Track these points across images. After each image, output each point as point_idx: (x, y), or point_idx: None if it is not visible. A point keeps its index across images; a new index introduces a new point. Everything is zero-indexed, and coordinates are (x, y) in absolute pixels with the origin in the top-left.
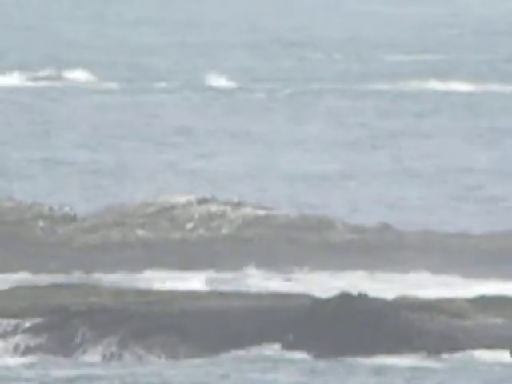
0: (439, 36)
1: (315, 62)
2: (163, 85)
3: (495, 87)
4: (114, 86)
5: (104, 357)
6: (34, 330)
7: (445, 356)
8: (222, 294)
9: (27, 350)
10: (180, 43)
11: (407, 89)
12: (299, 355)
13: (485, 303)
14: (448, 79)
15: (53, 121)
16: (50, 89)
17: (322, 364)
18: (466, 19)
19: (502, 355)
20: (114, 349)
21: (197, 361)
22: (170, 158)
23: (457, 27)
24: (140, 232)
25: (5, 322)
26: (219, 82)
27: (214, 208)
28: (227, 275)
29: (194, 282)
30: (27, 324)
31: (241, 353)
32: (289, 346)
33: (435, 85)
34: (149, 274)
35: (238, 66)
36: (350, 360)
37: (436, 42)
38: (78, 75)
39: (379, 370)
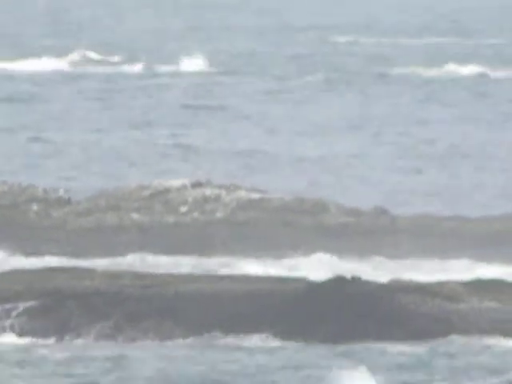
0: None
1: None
2: None
3: None
4: None
5: (98, 339)
6: (28, 313)
7: (439, 340)
8: (217, 278)
9: (21, 333)
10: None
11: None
12: (293, 339)
13: (480, 286)
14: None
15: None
16: None
17: (315, 349)
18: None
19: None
20: (108, 331)
21: (190, 343)
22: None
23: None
24: (135, 215)
25: None
26: None
27: (208, 191)
28: (222, 258)
29: (189, 265)
30: (21, 307)
31: (233, 337)
32: (282, 330)
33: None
34: (143, 257)
35: None
36: (343, 344)
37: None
38: None
39: (373, 355)
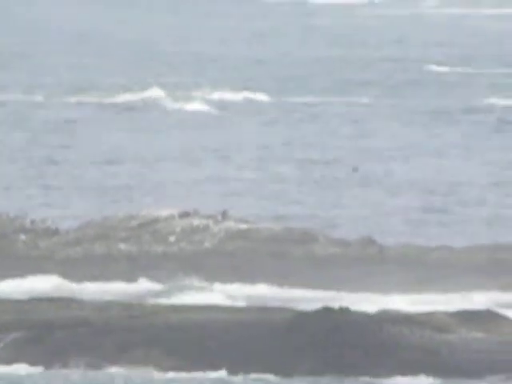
0: None
1: None
2: None
3: None
4: None
5: (87, 370)
6: (16, 344)
7: (428, 371)
8: (205, 308)
9: (9, 363)
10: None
11: None
12: (281, 371)
13: (467, 317)
14: None
15: None
16: None
17: (302, 381)
18: None
19: None
20: (97, 362)
21: (177, 375)
22: None
23: None
24: (123, 245)
25: None
26: None
27: (196, 221)
28: (209, 288)
29: (178, 295)
30: (9, 338)
31: (220, 368)
32: (269, 361)
33: None
34: (131, 287)
35: None
36: (331, 376)
37: None
38: None
39: None
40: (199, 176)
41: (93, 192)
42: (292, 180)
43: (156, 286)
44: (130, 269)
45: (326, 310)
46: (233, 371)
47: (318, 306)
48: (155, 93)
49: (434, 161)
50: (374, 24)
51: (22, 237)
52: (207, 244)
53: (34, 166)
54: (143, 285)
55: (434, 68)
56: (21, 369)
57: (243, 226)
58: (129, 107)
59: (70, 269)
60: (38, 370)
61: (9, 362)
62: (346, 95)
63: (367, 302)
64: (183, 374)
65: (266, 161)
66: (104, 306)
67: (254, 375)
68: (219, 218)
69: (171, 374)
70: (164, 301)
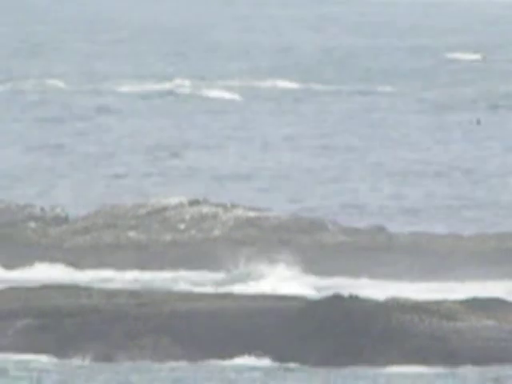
0: None
1: None
2: None
3: None
4: None
5: (95, 358)
6: (25, 332)
7: (437, 359)
8: (213, 296)
9: (18, 351)
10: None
11: None
12: (290, 359)
13: (477, 305)
14: None
15: None
16: None
17: (312, 369)
18: None
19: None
20: (105, 350)
21: (186, 364)
22: None
23: None
24: (132, 233)
25: None
26: None
27: (205, 209)
28: (218, 276)
29: (186, 283)
30: (19, 325)
31: (229, 356)
32: (279, 349)
33: None
34: (140, 275)
35: None
36: (341, 364)
37: None
38: None
39: (371, 375)
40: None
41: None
42: None
43: (165, 275)
44: (139, 257)
45: (336, 298)
46: (243, 359)
47: (327, 293)
48: (194, 82)
49: None
50: (391, 11)
51: (32, 225)
52: (216, 232)
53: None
54: (151, 273)
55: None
56: (29, 356)
57: (252, 214)
58: (170, 94)
59: (80, 257)
60: (46, 357)
61: (18, 349)
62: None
63: (376, 290)
64: (192, 363)
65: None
66: (113, 294)
67: (263, 363)
68: (228, 205)
69: (180, 363)
70: (173, 288)
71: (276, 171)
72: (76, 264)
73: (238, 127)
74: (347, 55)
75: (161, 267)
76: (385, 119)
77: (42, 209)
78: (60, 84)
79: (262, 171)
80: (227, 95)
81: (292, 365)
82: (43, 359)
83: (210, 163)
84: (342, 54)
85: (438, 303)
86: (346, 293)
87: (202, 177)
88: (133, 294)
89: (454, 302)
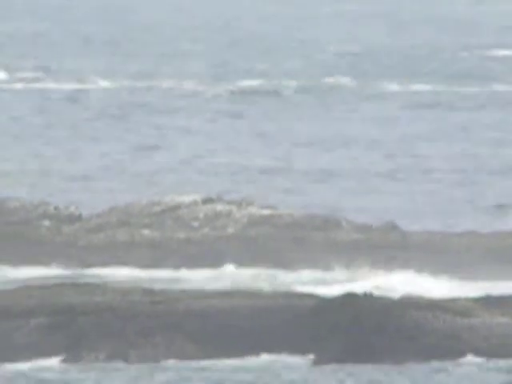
0: None
1: None
2: None
3: None
4: None
5: (110, 356)
6: (39, 329)
7: (451, 356)
8: (228, 294)
9: (33, 350)
10: None
11: None
12: (305, 356)
13: (491, 302)
14: None
15: None
16: None
17: (326, 367)
18: None
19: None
20: (120, 348)
21: (199, 362)
22: None
23: None
24: (146, 231)
25: (11, 321)
26: None
27: (219, 207)
28: (232, 274)
29: (200, 280)
30: (32, 323)
31: (242, 353)
32: (293, 347)
33: None
34: (155, 273)
35: None
36: (355, 362)
37: None
38: None
39: (384, 372)
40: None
41: None
42: None
43: (178, 273)
44: (153, 255)
45: (350, 296)
46: (256, 357)
47: (341, 291)
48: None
49: None
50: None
51: (46, 223)
52: (230, 230)
53: None
54: (166, 271)
55: None
56: (44, 354)
57: (266, 212)
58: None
59: (93, 255)
60: (60, 355)
61: (32, 347)
62: None
63: (390, 288)
64: (205, 361)
65: None
66: (127, 292)
67: (277, 361)
68: (242, 203)
69: (193, 361)
70: (187, 286)
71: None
72: (90, 262)
73: None
74: None
75: (175, 265)
76: None
77: (56, 207)
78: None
79: None
80: None
81: (305, 362)
82: (56, 356)
83: None
84: None
85: (453, 301)
86: (359, 291)
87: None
88: (147, 291)
89: (468, 299)
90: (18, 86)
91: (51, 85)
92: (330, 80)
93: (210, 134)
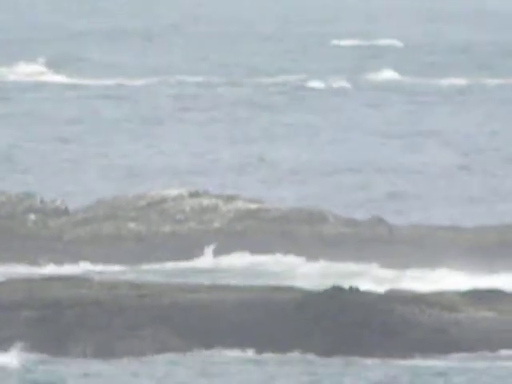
0: None
1: None
2: None
3: None
4: None
5: (97, 349)
6: (26, 324)
7: (437, 351)
8: (213, 287)
9: (20, 344)
10: None
11: None
12: (289, 350)
13: (477, 296)
14: None
15: None
16: None
17: (311, 361)
18: None
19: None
20: (106, 341)
21: (184, 355)
22: None
23: None
24: (132, 225)
25: None
26: None
27: (205, 201)
28: (218, 268)
29: (185, 274)
30: (20, 317)
31: (226, 347)
32: (277, 341)
33: None
34: (141, 266)
35: None
36: (341, 356)
37: None
38: None
39: (371, 367)
40: None
41: None
42: None
43: (164, 266)
44: (139, 248)
45: (336, 290)
46: (241, 351)
47: (327, 285)
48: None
49: None
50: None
51: (32, 217)
52: (216, 224)
53: None
54: (152, 264)
55: None
56: (31, 347)
57: (252, 206)
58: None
59: (80, 248)
60: (47, 348)
61: (19, 340)
62: None
63: (377, 282)
64: (190, 353)
65: None
66: (113, 286)
67: (262, 355)
68: (228, 197)
69: (179, 354)
70: (173, 280)
71: None
72: (76, 255)
73: None
74: None
75: (161, 258)
76: None
77: (42, 201)
78: None
79: None
80: None
81: (291, 357)
82: (43, 349)
83: None
84: None
85: (439, 295)
86: (345, 285)
87: None
88: (133, 285)
89: (455, 293)
90: None
91: None
92: None
93: None
